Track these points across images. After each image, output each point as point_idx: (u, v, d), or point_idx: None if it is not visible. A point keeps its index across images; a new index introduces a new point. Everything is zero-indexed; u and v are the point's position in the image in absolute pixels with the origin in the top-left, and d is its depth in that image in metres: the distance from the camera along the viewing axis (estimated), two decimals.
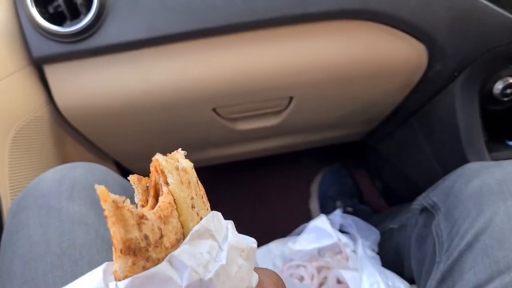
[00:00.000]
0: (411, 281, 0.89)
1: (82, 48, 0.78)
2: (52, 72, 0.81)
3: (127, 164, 1.17)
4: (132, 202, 0.27)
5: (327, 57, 0.84)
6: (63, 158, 0.94)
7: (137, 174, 0.33)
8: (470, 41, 0.85)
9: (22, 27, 0.78)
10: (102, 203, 0.24)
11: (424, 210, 0.83)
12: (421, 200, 0.85)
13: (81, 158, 1.02)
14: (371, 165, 1.64)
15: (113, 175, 0.70)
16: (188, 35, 0.79)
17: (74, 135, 0.98)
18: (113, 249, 0.26)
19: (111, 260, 0.28)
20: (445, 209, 0.75)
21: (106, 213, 0.25)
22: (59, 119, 0.90)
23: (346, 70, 0.87)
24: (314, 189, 1.63)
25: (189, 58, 0.82)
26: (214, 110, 0.95)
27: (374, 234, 1.07)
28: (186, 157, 0.33)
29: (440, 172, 1.05)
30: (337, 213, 1.14)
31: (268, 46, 0.82)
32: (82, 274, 0.57)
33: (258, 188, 1.70)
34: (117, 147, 1.07)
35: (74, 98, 0.84)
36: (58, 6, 0.76)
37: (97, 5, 0.75)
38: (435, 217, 0.77)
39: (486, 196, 0.67)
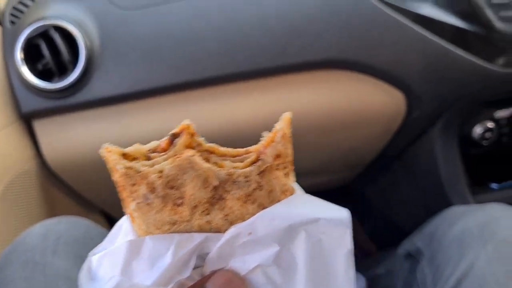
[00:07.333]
0: None
1: (69, 103, 0.80)
2: (41, 126, 0.83)
3: (116, 214, 1.17)
4: None
5: (307, 107, 0.87)
6: (51, 211, 0.95)
7: None
8: (445, 87, 0.87)
9: (11, 83, 0.80)
10: None
11: (409, 255, 0.84)
12: (405, 245, 0.85)
13: (69, 210, 1.02)
14: (359, 209, 1.64)
15: (97, 228, 0.71)
16: (170, 88, 0.81)
17: (61, 188, 0.98)
18: None
19: None
20: (429, 254, 0.75)
21: None
22: (46, 172, 0.91)
23: (326, 119, 0.89)
24: None
25: (171, 110, 0.84)
26: None
27: (360, 281, 1.06)
28: None
29: (424, 216, 1.06)
30: None
31: (249, 98, 0.85)
32: None
33: None
34: (104, 198, 1.07)
35: (62, 151, 0.85)
36: (47, 63, 0.78)
37: (84, 61, 0.77)
38: (419, 262, 0.77)
39: (468, 241, 0.67)
